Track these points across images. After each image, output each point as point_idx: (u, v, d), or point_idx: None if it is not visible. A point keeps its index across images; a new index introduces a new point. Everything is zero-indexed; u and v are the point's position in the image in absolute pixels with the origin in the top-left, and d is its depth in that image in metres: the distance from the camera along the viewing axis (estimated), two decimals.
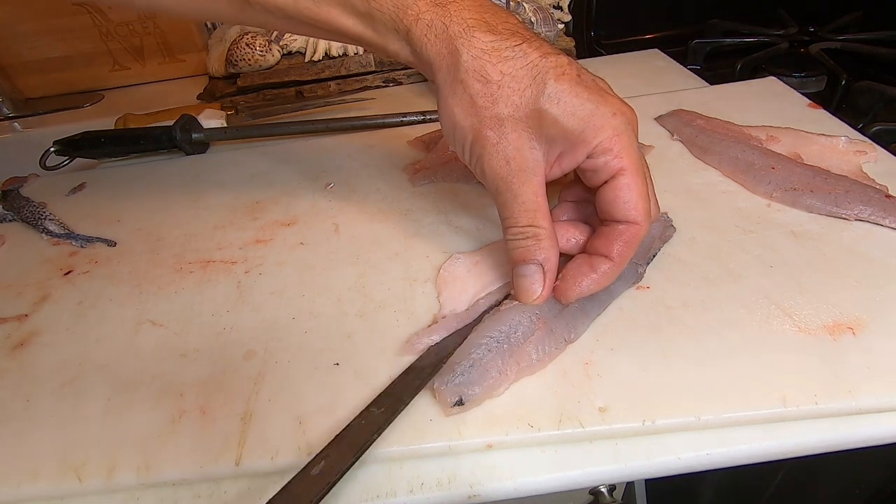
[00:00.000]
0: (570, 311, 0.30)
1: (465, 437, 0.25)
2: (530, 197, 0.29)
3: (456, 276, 0.34)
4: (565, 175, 0.30)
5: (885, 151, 0.41)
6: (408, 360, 0.29)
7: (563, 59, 0.27)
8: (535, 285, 0.29)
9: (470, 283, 0.33)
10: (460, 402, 0.26)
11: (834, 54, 0.63)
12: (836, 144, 0.41)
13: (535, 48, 0.27)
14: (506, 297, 0.31)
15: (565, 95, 0.27)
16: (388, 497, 0.25)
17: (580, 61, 0.72)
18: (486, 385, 0.26)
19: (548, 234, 0.29)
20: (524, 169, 0.28)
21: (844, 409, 0.25)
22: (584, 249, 0.31)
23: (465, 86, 0.28)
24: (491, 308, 0.31)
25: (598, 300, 0.30)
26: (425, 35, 0.28)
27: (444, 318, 0.31)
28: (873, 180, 0.37)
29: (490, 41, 0.27)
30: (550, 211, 0.29)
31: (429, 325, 0.31)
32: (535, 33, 0.29)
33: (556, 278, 0.30)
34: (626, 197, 0.28)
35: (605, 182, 0.28)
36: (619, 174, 0.28)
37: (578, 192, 0.32)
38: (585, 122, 0.27)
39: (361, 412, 0.26)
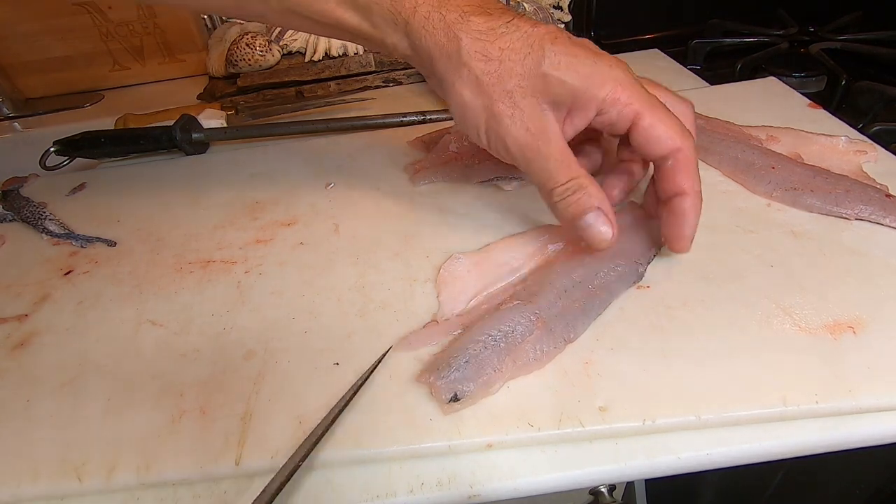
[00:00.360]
0: (569, 310, 0.30)
1: (465, 437, 0.25)
2: (561, 154, 0.30)
3: (456, 276, 0.34)
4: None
5: (886, 151, 0.41)
6: (403, 355, 0.29)
7: (553, 26, 0.29)
8: (604, 228, 0.30)
9: (470, 284, 0.33)
10: (455, 398, 0.26)
11: (834, 54, 0.63)
12: (836, 144, 0.41)
13: (525, 21, 0.29)
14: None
15: (563, 56, 0.28)
16: (388, 497, 0.24)
17: None
18: (480, 382, 0.26)
19: (590, 181, 0.30)
20: (545, 130, 0.29)
21: (845, 408, 0.25)
22: (649, 199, 0.33)
23: (469, 68, 0.29)
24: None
25: (598, 299, 0.30)
26: (423, 27, 0.29)
27: (446, 321, 0.31)
28: (873, 180, 0.37)
29: (485, 22, 0.29)
30: None
31: (425, 326, 0.31)
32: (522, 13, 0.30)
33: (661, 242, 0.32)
34: (656, 134, 0.29)
35: (630, 131, 0.29)
36: (637, 119, 0.29)
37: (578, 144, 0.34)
38: (588, 78, 0.28)
39: None
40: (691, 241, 0.31)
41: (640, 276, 0.32)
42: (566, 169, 0.30)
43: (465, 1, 0.29)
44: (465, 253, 0.35)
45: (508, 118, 0.29)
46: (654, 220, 0.34)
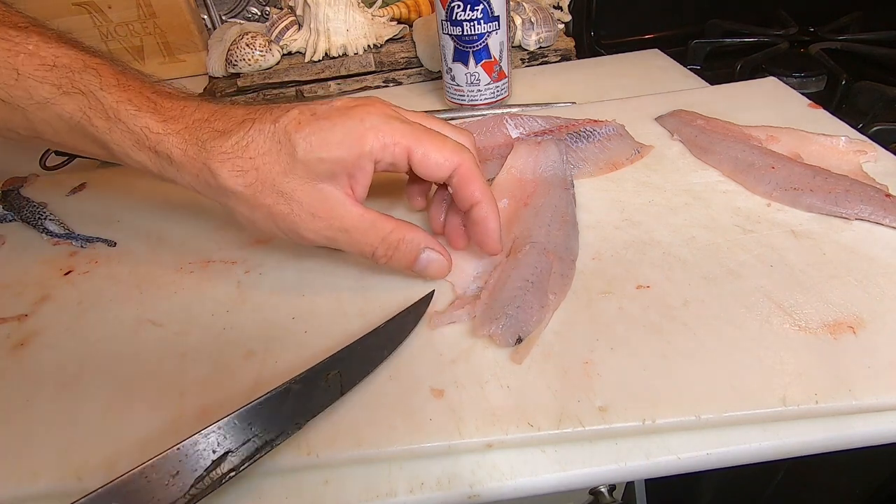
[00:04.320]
0: (561, 237, 0.34)
1: (465, 437, 0.25)
2: (360, 221, 0.30)
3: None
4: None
5: (885, 151, 0.41)
6: (403, 355, 0.29)
7: (294, 111, 0.29)
8: (438, 263, 0.32)
9: (467, 256, 0.35)
10: (520, 340, 0.28)
11: (834, 54, 0.63)
12: (836, 144, 0.41)
13: (267, 120, 0.29)
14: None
15: (313, 136, 0.28)
16: (388, 497, 0.25)
17: (580, 61, 0.72)
18: (534, 320, 0.29)
19: (405, 228, 0.31)
20: (331, 210, 0.30)
21: (844, 408, 0.25)
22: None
23: (230, 189, 0.29)
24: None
25: (569, 217, 0.36)
26: (180, 165, 0.30)
27: (458, 299, 0.32)
28: (873, 180, 0.37)
29: (230, 144, 0.29)
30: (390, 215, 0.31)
31: (450, 304, 0.32)
32: (263, 107, 0.30)
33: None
34: (432, 161, 0.30)
35: (410, 164, 0.30)
36: (410, 154, 0.30)
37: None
38: (344, 142, 0.29)
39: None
40: (500, 241, 0.32)
41: (571, 183, 0.39)
42: (373, 232, 0.30)
43: (204, 131, 0.29)
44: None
45: (292, 215, 0.30)
46: (556, 140, 0.42)
